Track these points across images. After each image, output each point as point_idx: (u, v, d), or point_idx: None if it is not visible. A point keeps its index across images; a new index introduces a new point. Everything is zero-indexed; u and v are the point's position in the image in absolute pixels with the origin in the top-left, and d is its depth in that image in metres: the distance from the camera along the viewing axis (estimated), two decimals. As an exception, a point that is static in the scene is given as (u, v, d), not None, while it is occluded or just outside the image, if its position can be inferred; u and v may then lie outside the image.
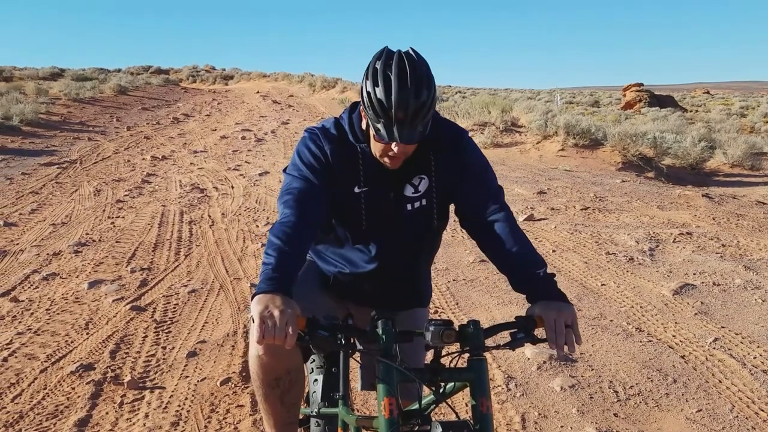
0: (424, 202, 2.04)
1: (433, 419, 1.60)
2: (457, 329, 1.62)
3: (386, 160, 1.92)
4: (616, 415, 3.38)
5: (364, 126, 1.97)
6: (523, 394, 3.59)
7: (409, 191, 2.03)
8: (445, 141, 2.05)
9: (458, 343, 1.64)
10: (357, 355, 1.77)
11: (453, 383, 1.66)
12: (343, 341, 1.62)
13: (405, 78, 1.75)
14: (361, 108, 1.90)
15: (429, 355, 2.06)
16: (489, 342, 1.66)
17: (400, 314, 2.05)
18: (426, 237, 2.14)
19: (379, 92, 1.76)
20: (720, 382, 3.70)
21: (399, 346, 1.62)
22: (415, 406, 1.68)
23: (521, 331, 1.71)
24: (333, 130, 2.03)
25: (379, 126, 1.79)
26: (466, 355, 1.64)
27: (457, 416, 1.62)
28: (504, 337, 1.74)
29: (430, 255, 2.28)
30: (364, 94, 1.81)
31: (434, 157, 2.02)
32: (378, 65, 1.80)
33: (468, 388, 1.63)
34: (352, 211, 2.03)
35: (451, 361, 1.67)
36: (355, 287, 2.19)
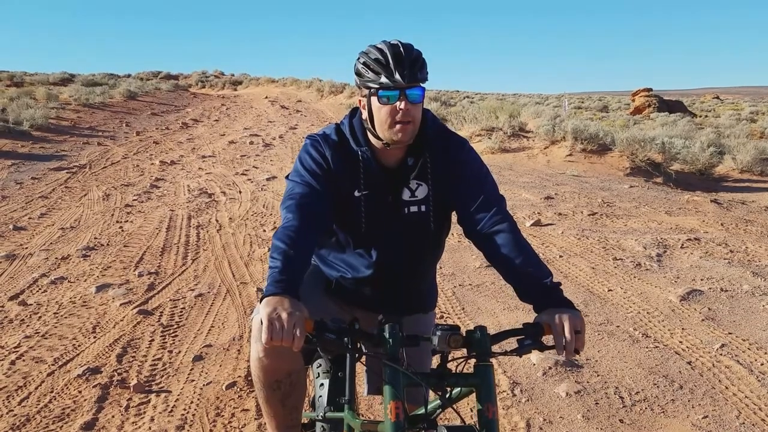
0: (422, 207, 2.06)
1: (439, 424, 1.60)
2: (464, 334, 1.62)
3: (397, 131, 1.92)
4: (621, 421, 3.36)
5: (365, 116, 2.00)
6: (528, 400, 3.58)
7: (406, 195, 2.05)
8: (445, 149, 2.08)
9: (465, 349, 1.64)
10: (363, 359, 1.78)
11: (459, 388, 1.66)
12: (350, 345, 1.63)
13: (393, 42, 1.93)
14: (359, 99, 2.00)
15: (434, 362, 2.07)
16: (496, 348, 1.67)
17: (407, 319, 2.06)
18: (424, 242, 2.14)
19: (374, 54, 1.91)
20: (727, 388, 3.68)
21: (405, 351, 1.63)
22: (421, 410, 1.69)
23: (528, 338, 1.71)
24: (334, 135, 2.07)
25: (382, 80, 1.88)
26: (473, 361, 1.64)
27: (463, 421, 1.62)
28: (510, 343, 1.74)
29: (432, 261, 2.28)
30: (360, 67, 1.94)
31: (432, 164, 2.05)
32: (366, 49, 1.97)
33: (474, 394, 1.63)
34: (352, 214, 2.05)
35: (457, 366, 1.67)
36: (357, 291, 2.20)
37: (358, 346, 1.68)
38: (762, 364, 3.95)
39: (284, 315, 1.57)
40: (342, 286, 2.22)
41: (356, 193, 2.04)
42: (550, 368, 3.90)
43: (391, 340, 1.60)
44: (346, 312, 2.23)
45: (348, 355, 2.02)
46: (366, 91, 1.94)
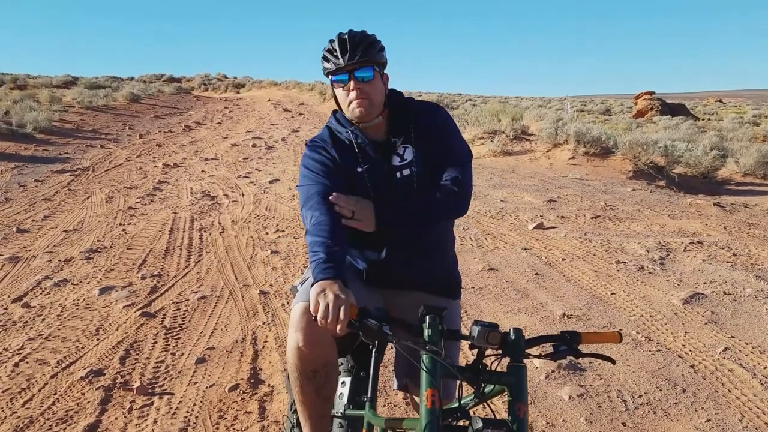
0: (413, 168, 2.22)
1: (473, 415, 1.64)
2: (501, 333, 1.66)
3: (354, 108, 2.14)
4: (624, 424, 3.36)
5: (335, 95, 2.22)
6: (530, 403, 3.57)
7: (396, 161, 2.22)
8: (423, 114, 2.27)
9: (500, 348, 1.68)
10: (388, 356, 1.81)
11: (492, 385, 1.70)
12: (390, 333, 1.68)
13: (344, 33, 2.15)
14: (329, 87, 2.24)
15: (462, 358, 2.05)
16: (530, 351, 1.70)
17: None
18: None
19: (327, 46, 2.15)
20: (729, 391, 3.67)
21: (442, 344, 1.67)
22: (455, 404, 1.73)
23: (564, 344, 1.75)
24: (326, 132, 2.28)
25: (330, 66, 2.12)
26: (506, 361, 1.68)
27: (494, 415, 1.65)
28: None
29: (437, 228, 2.33)
30: (321, 60, 2.17)
31: (414, 128, 2.23)
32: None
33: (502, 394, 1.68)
34: (360, 189, 2.19)
35: (491, 364, 1.71)
36: (382, 271, 2.27)
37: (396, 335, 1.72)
38: (765, 368, 3.94)
39: (331, 297, 1.69)
40: (371, 272, 2.30)
41: (359, 169, 2.20)
42: (552, 371, 3.90)
43: (430, 331, 1.66)
44: (381, 298, 2.30)
45: (373, 353, 2.07)
46: (324, 73, 2.18)
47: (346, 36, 2.11)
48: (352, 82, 2.11)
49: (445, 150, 2.24)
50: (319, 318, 1.67)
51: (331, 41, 2.14)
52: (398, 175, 2.21)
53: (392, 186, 2.21)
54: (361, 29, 2.18)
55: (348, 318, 1.65)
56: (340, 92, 2.17)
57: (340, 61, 2.09)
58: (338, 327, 1.65)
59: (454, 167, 2.22)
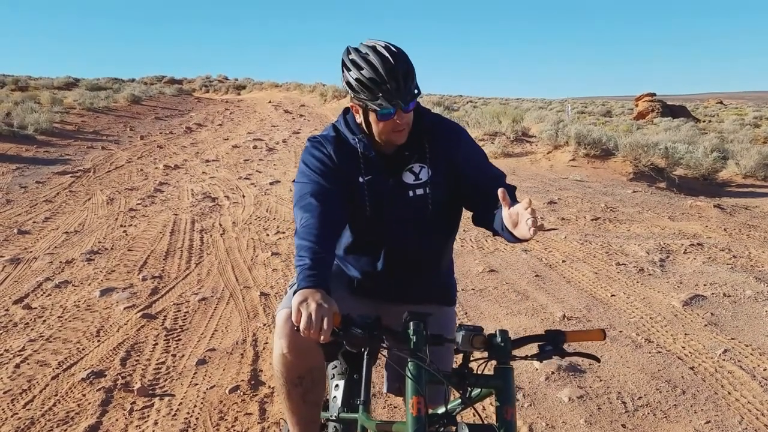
0: (426, 190, 2.13)
1: (459, 421, 1.63)
2: (487, 336, 1.65)
3: (393, 137, 2.03)
4: (624, 426, 3.37)
5: (359, 120, 2.09)
6: (530, 405, 3.58)
7: (409, 178, 2.13)
8: (440, 132, 2.17)
9: (486, 351, 1.67)
10: (384, 358, 1.80)
11: (479, 389, 1.69)
12: (375, 340, 1.66)
13: (383, 54, 1.93)
14: (352, 103, 2.07)
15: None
16: (516, 352, 1.69)
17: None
18: (428, 224, 2.18)
19: (367, 73, 1.93)
20: (729, 393, 3.68)
21: (428, 349, 1.65)
22: (441, 410, 1.72)
23: (549, 344, 1.73)
24: (332, 132, 2.17)
25: (380, 101, 1.93)
26: (493, 363, 1.67)
27: (482, 420, 1.65)
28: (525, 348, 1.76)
29: (441, 245, 2.28)
30: (353, 82, 1.97)
31: (429, 146, 2.14)
32: (352, 57, 1.98)
33: (492, 397, 1.66)
34: (358, 200, 2.13)
35: (478, 367, 1.69)
36: (378, 284, 2.24)
37: (382, 342, 1.70)
38: (765, 370, 3.95)
39: (314, 306, 1.63)
40: (363, 282, 2.26)
41: (360, 179, 2.12)
42: (552, 373, 3.90)
43: (415, 337, 1.64)
44: (371, 309, 2.24)
45: (366, 356, 2.06)
46: (360, 102, 2.00)
47: (392, 61, 1.92)
48: (397, 115, 1.96)
49: (480, 170, 2.14)
50: (301, 328, 1.62)
51: (371, 66, 1.93)
52: (411, 193, 2.12)
53: (403, 204, 2.13)
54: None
55: (331, 327, 1.62)
56: (381, 123, 2.00)
57: (397, 101, 1.92)
58: (321, 337, 1.61)
59: (497, 176, 2.13)
